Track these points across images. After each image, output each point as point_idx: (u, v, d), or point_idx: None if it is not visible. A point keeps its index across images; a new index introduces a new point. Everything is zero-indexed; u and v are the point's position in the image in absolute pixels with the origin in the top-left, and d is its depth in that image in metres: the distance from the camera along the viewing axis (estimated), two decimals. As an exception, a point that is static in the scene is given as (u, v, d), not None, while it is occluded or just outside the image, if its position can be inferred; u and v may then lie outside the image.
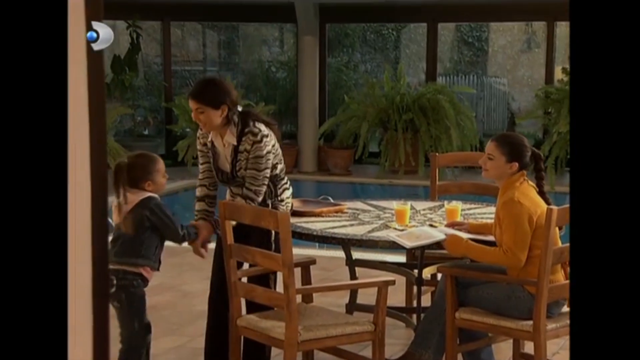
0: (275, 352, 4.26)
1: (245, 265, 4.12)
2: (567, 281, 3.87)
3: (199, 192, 4.25)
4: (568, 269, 3.92)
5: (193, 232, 3.97)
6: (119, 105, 11.50)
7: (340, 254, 5.05)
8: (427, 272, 4.66)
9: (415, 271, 4.56)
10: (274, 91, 14.54)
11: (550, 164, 10.27)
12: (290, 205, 4.26)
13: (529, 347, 4.15)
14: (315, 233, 4.16)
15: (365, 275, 4.98)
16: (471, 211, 4.73)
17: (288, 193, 4.23)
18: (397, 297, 5.15)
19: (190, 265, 6.42)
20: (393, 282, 3.89)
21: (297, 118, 12.36)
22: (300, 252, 5.65)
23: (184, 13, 12.74)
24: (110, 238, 3.77)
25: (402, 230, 4.18)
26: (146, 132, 13.65)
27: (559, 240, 3.88)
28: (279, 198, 4.16)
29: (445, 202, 4.58)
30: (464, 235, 3.97)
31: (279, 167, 4.14)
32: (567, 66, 11.41)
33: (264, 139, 3.98)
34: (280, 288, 3.72)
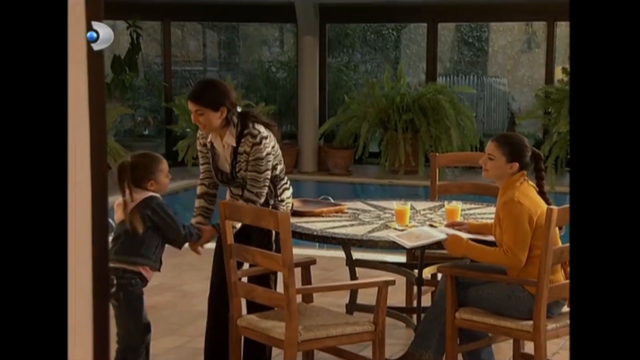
0: (275, 352, 4.26)
1: (246, 265, 4.12)
2: (567, 281, 3.87)
3: (199, 190, 4.26)
4: (568, 269, 3.92)
5: (195, 233, 3.97)
6: (119, 105, 11.50)
7: (341, 254, 5.05)
8: (427, 272, 4.66)
9: (416, 271, 4.56)
10: (274, 91, 14.54)
11: (550, 164, 10.27)
12: (290, 205, 4.27)
13: (529, 347, 4.15)
14: (315, 233, 4.16)
15: (365, 275, 4.98)
16: (471, 211, 4.73)
17: (288, 193, 4.23)
18: (397, 297, 5.15)
19: (190, 265, 6.43)
20: (393, 282, 3.89)
21: (297, 118, 12.36)
22: (300, 252, 5.65)
23: (184, 13, 12.74)
24: (110, 237, 3.77)
25: (402, 230, 4.18)
26: (146, 132, 13.65)
27: (559, 240, 3.88)
28: (279, 198, 4.16)
29: (446, 202, 4.58)
30: (464, 236, 3.97)
31: (279, 167, 4.14)
32: (567, 66, 11.41)
33: (263, 141, 3.98)
34: (280, 288, 3.72)
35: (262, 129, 4.02)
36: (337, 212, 4.67)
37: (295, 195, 4.43)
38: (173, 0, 12.30)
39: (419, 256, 4.53)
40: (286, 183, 4.23)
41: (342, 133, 11.77)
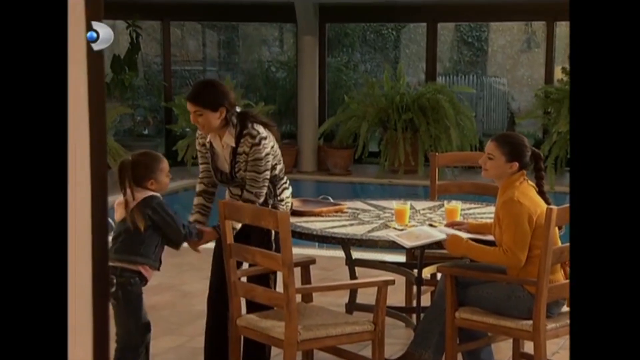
0: (275, 351, 4.26)
1: (245, 265, 4.13)
2: (567, 281, 3.87)
3: (197, 188, 4.28)
4: (568, 269, 3.93)
5: (195, 233, 3.97)
6: (119, 105, 11.49)
7: (340, 253, 5.05)
8: (426, 272, 4.66)
9: (415, 271, 4.56)
10: (273, 91, 14.54)
11: (550, 163, 10.26)
12: (290, 204, 4.27)
13: (528, 347, 4.15)
14: (315, 233, 4.17)
15: (365, 275, 4.98)
16: (471, 211, 4.73)
17: (287, 193, 4.23)
18: (396, 296, 5.15)
19: (190, 265, 6.43)
20: (393, 282, 3.89)
21: (297, 118, 12.35)
22: (300, 251, 5.65)
23: (184, 13, 12.74)
24: (110, 236, 3.77)
25: (402, 230, 4.18)
26: (146, 132, 13.65)
27: (558, 240, 3.88)
28: (279, 198, 4.16)
29: (445, 202, 4.58)
30: (464, 235, 3.97)
31: (278, 167, 4.14)
32: (567, 66, 11.41)
33: (262, 142, 3.98)
34: (280, 288, 3.73)
35: (261, 129, 4.02)
36: (336, 211, 4.67)
37: (294, 195, 4.43)
38: (173, 0, 12.29)
39: (418, 256, 4.53)
40: (285, 183, 4.23)
41: (341, 133, 11.77)
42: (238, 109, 4.08)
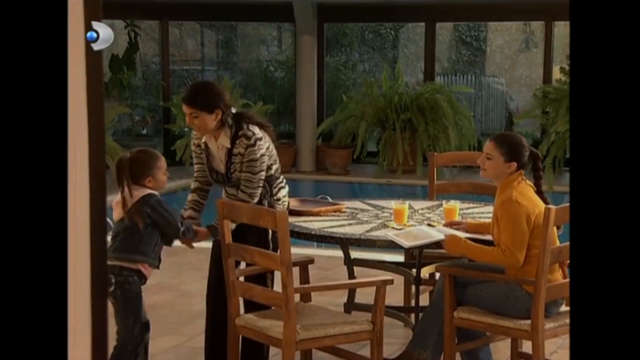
0: (273, 351, 4.26)
1: (242, 264, 4.13)
2: (565, 280, 3.88)
3: (192, 185, 4.29)
4: (566, 268, 3.93)
5: (191, 230, 3.98)
6: (117, 105, 11.49)
7: (339, 253, 5.05)
8: (425, 272, 4.66)
9: (414, 270, 4.56)
10: (272, 91, 14.55)
11: (548, 163, 10.27)
12: (286, 203, 4.27)
13: (527, 347, 4.16)
14: (313, 232, 4.17)
15: (363, 275, 4.98)
16: (469, 210, 4.73)
17: (284, 192, 4.23)
18: (395, 296, 5.15)
19: (189, 264, 6.43)
20: (391, 282, 3.89)
21: (295, 117, 12.36)
22: (298, 251, 5.65)
23: (182, 12, 12.74)
24: (109, 235, 3.77)
25: (401, 229, 4.18)
26: (144, 132, 13.65)
27: (557, 239, 3.88)
28: (275, 197, 4.16)
29: (444, 202, 4.59)
30: (462, 235, 3.97)
31: (274, 167, 4.14)
32: (565, 66, 11.42)
33: (258, 143, 3.98)
34: (277, 287, 3.73)
35: (256, 130, 4.02)
36: (335, 211, 4.67)
37: (293, 194, 4.43)
38: (171, -1, 12.31)
39: (417, 255, 4.53)
40: (282, 182, 4.23)
41: (340, 132, 11.77)
42: (234, 110, 4.08)
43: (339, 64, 15.03)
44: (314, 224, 4.31)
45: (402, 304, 5.13)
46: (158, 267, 3.89)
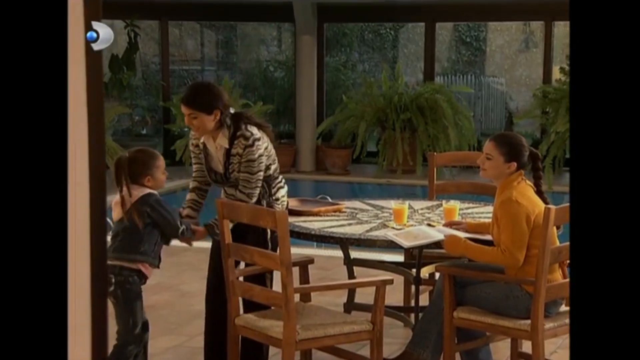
0: (273, 351, 4.26)
1: (242, 264, 4.13)
2: (565, 280, 3.88)
3: (191, 184, 4.29)
4: (566, 268, 3.93)
5: (190, 229, 3.98)
6: (117, 105, 11.49)
7: (339, 253, 5.05)
8: (425, 272, 4.66)
9: (414, 270, 4.56)
10: (272, 91, 14.54)
11: (547, 163, 10.27)
12: (285, 203, 4.27)
13: (526, 347, 4.16)
14: (313, 232, 4.17)
15: (363, 275, 4.98)
16: (469, 210, 4.74)
17: (283, 192, 4.23)
18: (395, 296, 5.15)
19: (189, 264, 6.43)
20: (391, 282, 3.89)
21: (295, 117, 12.36)
22: (298, 251, 5.65)
23: (182, 12, 12.74)
24: (109, 236, 3.77)
25: (400, 229, 4.18)
26: (144, 132, 13.65)
27: (556, 239, 3.88)
28: (274, 197, 4.16)
29: (443, 202, 4.59)
30: (462, 235, 3.97)
31: (273, 167, 4.14)
32: (565, 66, 11.42)
33: (256, 143, 3.98)
34: (277, 287, 3.73)
35: (254, 130, 4.02)
36: (335, 211, 4.67)
37: (292, 194, 4.43)
38: (171, -1, 12.31)
39: (416, 255, 4.53)
40: (280, 182, 4.23)
41: (340, 132, 11.77)
42: (232, 110, 4.08)
43: (338, 64, 15.03)
44: (314, 224, 4.31)
45: (402, 304, 5.13)
46: (158, 267, 3.89)
